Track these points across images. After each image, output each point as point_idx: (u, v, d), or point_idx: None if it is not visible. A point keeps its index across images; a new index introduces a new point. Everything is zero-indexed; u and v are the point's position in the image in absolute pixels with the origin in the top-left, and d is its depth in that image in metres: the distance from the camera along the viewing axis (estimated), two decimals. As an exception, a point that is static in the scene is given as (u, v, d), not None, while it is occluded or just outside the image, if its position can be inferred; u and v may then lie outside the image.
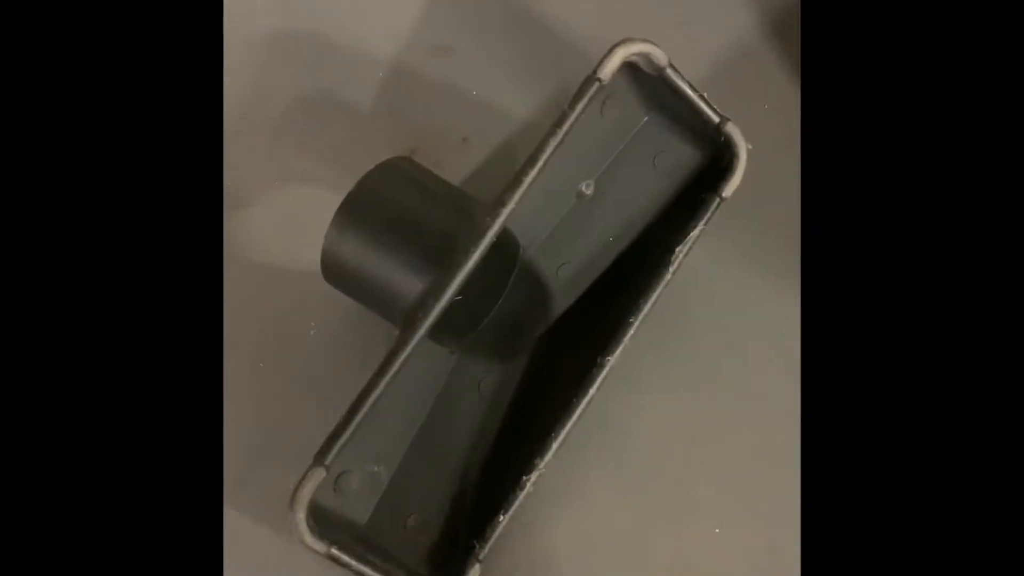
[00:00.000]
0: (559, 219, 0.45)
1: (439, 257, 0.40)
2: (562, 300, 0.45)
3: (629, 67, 0.40)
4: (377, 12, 0.55)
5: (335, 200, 0.53)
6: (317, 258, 0.50)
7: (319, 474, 0.36)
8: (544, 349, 0.45)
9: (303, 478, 0.36)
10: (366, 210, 0.41)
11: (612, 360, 0.40)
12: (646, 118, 0.44)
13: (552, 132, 0.39)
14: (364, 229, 0.41)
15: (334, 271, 0.43)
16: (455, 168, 0.50)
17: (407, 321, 0.38)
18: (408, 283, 0.40)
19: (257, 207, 0.52)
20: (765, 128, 0.43)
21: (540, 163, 0.39)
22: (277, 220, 0.51)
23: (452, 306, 0.38)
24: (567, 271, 0.45)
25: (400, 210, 0.42)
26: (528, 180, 0.38)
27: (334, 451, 0.37)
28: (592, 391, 0.40)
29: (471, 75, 0.53)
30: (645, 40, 0.39)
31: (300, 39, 0.55)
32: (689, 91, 0.40)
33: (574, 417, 0.40)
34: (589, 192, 0.45)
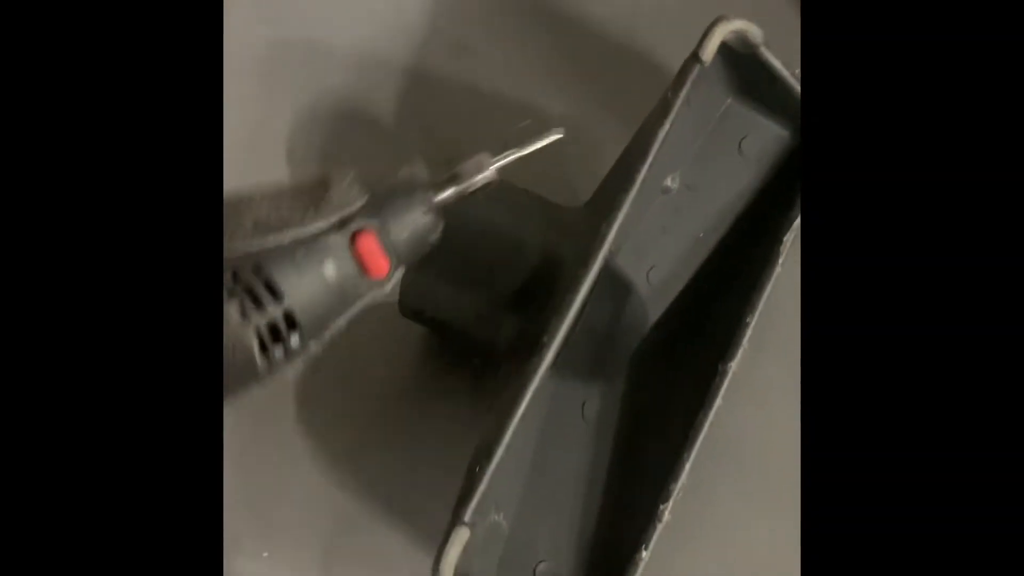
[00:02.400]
0: (644, 218, 0.41)
1: (543, 277, 0.36)
2: (655, 307, 0.42)
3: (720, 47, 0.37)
4: (374, 12, 0.50)
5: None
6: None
7: (463, 534, 0.32)
8: (642, 361, 0.41)
9: (447, 541, 0.32)
10: (454, 232, 0.37)
11: (734, 365, 0.37)
12: (729, 100, 0.41)
13: (659, 122, 0.35)
14: (455, 254, 0.37)
15: (417, 301, 0.38)
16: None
17: (528, 348, 0.34)
18: (510, 308, 0.36)
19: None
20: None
21: (650, 158, 0.35)
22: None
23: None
24: (657, 275, 0.41)
25: (493, 228, 0.37)
26: (640, 178, 0.35)
27: (473, 505, 0.32)
28: (717, 401, 0.37)
29: (499, 76, 0.49)
30: (740, 18, 0.37)
31: (298, 48, 0.50)
32: (781, 68, 0.38)
33: (703, 432, 0.37)
34: (674, 186, 0.41)
